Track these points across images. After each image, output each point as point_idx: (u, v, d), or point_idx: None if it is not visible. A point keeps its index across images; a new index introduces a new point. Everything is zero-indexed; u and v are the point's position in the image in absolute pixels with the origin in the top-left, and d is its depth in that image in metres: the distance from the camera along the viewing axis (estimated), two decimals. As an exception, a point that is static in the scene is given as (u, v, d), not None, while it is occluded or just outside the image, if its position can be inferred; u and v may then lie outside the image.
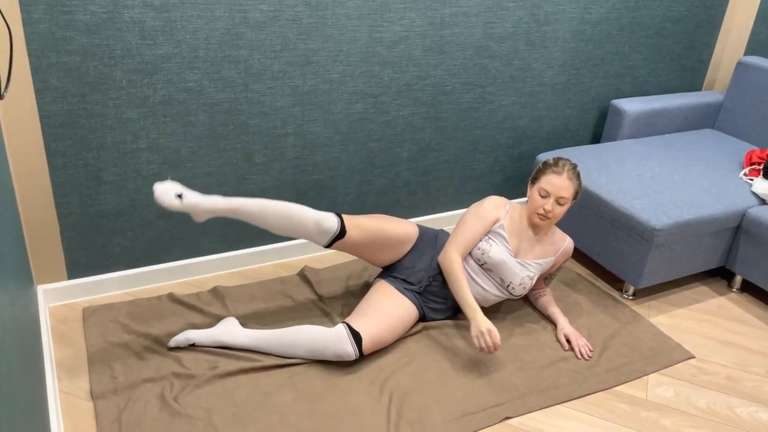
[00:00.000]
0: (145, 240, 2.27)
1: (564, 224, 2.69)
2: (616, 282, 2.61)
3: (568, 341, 2.19)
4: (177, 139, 2.16)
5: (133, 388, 1.86)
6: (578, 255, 2.79)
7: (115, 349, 2.01)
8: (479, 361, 2.08)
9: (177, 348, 2.02)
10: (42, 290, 2.16)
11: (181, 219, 2.30)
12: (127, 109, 2.04)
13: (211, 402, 1.83)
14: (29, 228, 2.06)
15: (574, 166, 2.11)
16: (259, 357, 2.01)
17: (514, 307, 2.38)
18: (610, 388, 2.04)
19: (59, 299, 2.20)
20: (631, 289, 2.51)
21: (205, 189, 2.28)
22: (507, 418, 1.88)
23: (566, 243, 2.25)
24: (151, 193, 2.20)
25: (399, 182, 2.70)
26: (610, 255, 2.50)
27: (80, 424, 1.74)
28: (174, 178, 2.20)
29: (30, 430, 1.42)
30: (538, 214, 2.09)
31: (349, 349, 1.94)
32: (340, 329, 1.95)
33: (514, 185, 3.04)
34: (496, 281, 2.15)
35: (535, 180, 2.13)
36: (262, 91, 2.22)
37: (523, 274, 2.14)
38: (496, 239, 2.14)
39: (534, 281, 2.18)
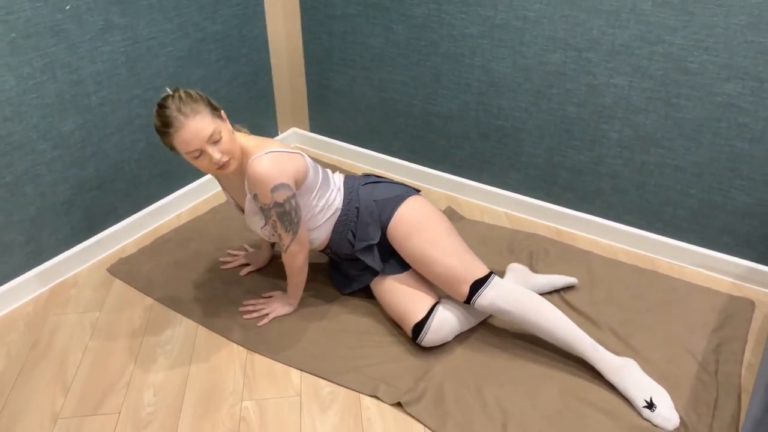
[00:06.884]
0: (356, 123, 2.68)
1: None
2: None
3: None
4: (379, 41, 2.40)
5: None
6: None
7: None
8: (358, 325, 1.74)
9: None
10: (292, 131, 2.90)
11: (382, 113, 2.58)
12: None
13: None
14: (293, 87, 2.78)
15: (180, 98, 1.53)
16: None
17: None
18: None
19: (301, 142, 2.91)
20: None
21: (398, 95, 2.47)
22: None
23: (249, 166, 1.64)
24: (366, 80, 2.55)
25: (603, 169, 2.14)
26: None
27: (206, 208, 2.49)
28: (377, 79, 2.48)
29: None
30: (217, 171, 1.61)
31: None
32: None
33: (803, 253, 1.91)
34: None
35: (170, 148, 1.57)
36: (453, 14, 2.18)
37: (250, 216, 1.77)
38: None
39: (267, 220, 1.74)
